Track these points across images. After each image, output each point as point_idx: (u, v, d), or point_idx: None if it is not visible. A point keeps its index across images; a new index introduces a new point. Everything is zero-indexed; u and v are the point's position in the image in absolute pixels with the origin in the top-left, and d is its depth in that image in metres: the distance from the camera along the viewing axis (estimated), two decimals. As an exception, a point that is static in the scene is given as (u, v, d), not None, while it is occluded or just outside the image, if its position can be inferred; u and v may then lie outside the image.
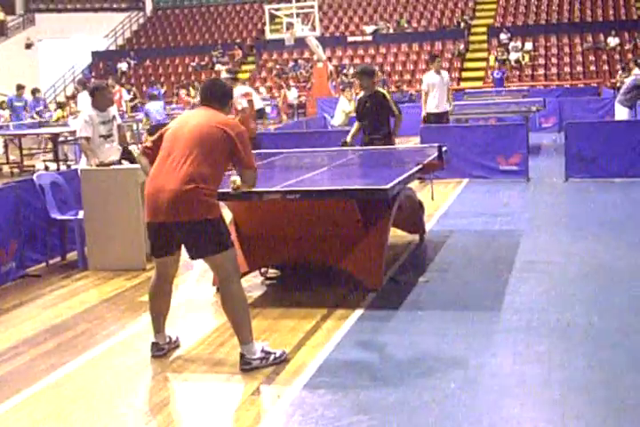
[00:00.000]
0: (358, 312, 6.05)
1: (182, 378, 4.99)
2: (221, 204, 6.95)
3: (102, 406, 4.61)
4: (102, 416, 4.44)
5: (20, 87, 21.47)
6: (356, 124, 9.73)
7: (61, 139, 16.19)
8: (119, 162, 7.91)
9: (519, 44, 33.86)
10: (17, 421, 4.43)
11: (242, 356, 5.04)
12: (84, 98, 15.72)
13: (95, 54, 40.30)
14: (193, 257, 5.18)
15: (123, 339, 5.79)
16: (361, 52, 36.57)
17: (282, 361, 5.07)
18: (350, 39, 37.26)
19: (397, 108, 9.31)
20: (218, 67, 37.61)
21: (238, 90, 12.65)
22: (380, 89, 9.43)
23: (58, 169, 14.43)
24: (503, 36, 34.35)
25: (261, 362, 5.03)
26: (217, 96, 5.29)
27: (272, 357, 5.07)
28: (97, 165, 7.89)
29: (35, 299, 6.99)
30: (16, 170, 16.89)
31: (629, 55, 31.98)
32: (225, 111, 5.33)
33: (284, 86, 31.07)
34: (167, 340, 5.43)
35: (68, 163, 16.15)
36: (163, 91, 34.41)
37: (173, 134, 5.18)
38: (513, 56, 33.32)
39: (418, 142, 12.61)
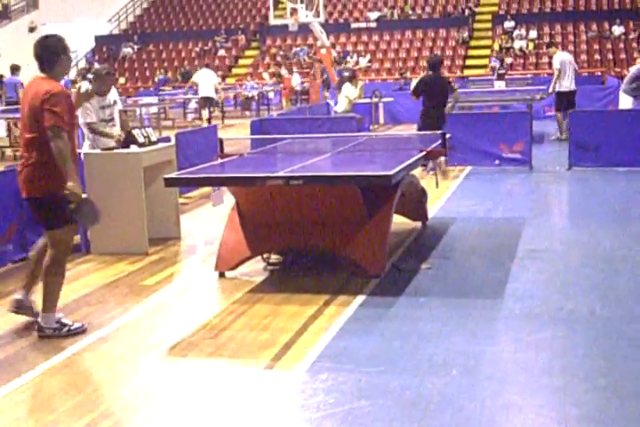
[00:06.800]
0: (360, 298, 6.06)
1: (184, 362, 5.00)
2: (224, 189, 7.00)
3: (105, 388, 4.63)
4: (105, 398, 4.46)
5: (15, 68, 20.94)
6: None
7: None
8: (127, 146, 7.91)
9: (523, 31, 33.74)
10: (20, 403, 4.45)
11: (37, 323, 5.50)
12: (84, 87, 15.71)
13: (98, 38, 40.18)
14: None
15: (125, 322, 5.80)
16: (365, 38, 36.45)
17: (77, 333, 5.47)
18: (354, 26, 37.11)
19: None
20: (221, 52, 37.54)
21: None
22: None
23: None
24: (507, 24, 34.23)
25: (54, 332, 5.45)
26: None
27: (66, 328, 5.48)
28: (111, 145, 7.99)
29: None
30: (18, 153, 16.89)
31: (634, 44, 31.90)
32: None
33: (287, 73, 30.94)
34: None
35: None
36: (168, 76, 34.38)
37: None
38: (517, 44, 33.21)
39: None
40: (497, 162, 12.38)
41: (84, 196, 5.52)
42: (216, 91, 22.51)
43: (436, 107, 11.97)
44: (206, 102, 22.47)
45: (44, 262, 5.50)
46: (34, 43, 5.54)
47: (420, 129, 12.04)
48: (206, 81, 22.18)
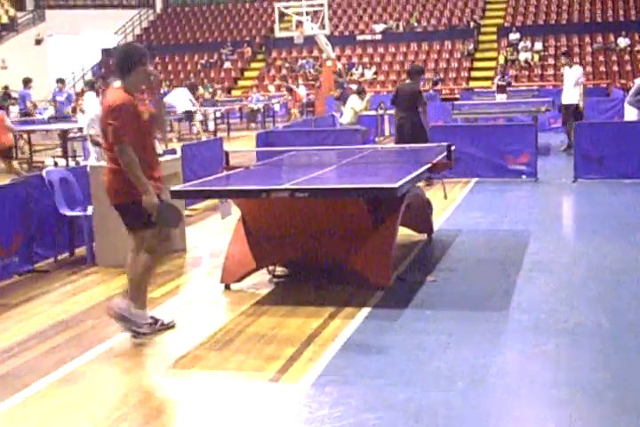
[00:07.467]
0: (366, 311, 6.06)
1: (190, 375, 5.00)
2: (230, 201, 7.01)
3: (110, 401, 4.63)
4: (111, 411, 4.45)
5: (27, 81, 21.25)
6: None
7: (71, 135, 16.24)
8: None
9: (529, 44, 33.80)
10: (26, 415, 4.44)
11: (129, 325, 5.58)
12: (90, 97, 15.88)
13: (105, 51, 40.32)
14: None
15: (130, 335, 5.80)
16: (370, 50, 36.55)
17: (169, 328, 5.67)
18: (360, 38, 37.24)
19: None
20: (227, 64, 37.65)
21: None
22: None
23: (67, 165, 14.46)
24: (513, 36, 34.30)
25: (150, 327, 5.60)
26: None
27: (160, 322, 5.66)
28: None
29: (43, 294, 7.01)
30: (25, 165, 16.92)
31: (639, 56, 31.93)
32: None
33: (294, 85, 31.01)
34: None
35: (77, 159, 16.17)
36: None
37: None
38: (522, 56, 33.26)
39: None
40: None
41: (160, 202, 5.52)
42: (193, 104, 22.62)
43: (401, 115, 12.31)
44: (188, 116, 22.59)
45: (137, 262, 5.57)
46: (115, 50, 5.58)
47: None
48: (180, 99, 22.27)
